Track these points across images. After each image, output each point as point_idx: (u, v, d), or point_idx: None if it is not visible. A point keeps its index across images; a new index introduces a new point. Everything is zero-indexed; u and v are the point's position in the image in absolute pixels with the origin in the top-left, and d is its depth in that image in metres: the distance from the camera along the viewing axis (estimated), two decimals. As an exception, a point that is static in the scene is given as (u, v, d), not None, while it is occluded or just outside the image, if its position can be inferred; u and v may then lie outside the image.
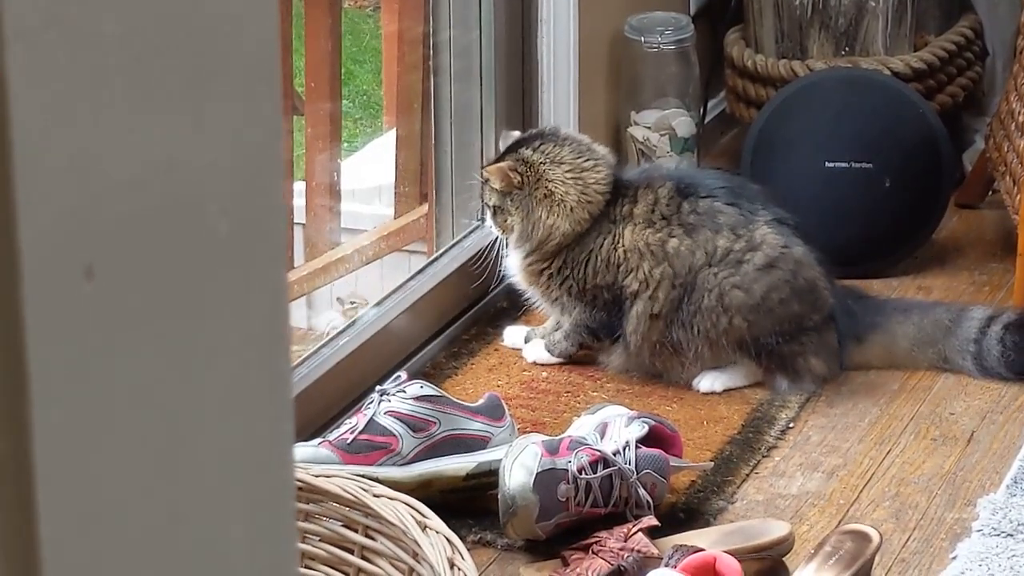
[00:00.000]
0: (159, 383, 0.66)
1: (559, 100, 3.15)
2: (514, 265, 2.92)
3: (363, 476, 2.21)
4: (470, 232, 3.12)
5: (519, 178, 2.84)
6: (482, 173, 2.91)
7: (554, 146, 2.87)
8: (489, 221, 2.92)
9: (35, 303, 0.61)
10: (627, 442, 2.43)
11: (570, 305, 2.87)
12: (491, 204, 2.88)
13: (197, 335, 0.68)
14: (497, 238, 2.91)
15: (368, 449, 2.45)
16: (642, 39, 3.33)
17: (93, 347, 0.62)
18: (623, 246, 2.82)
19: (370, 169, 3.89)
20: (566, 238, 2.84)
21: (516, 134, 2.96)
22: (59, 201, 0.61)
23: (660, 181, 2.86)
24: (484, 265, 2.96)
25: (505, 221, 2.87)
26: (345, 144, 4.39)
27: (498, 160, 2.90)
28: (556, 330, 2.91)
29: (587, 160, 2.87)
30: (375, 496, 2.07)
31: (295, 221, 3.51)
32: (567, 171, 2.84)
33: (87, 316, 0.62)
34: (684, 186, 2.85)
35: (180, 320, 0.67)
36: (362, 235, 3.53)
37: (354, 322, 2.87)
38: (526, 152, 2.86)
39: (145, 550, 0.66)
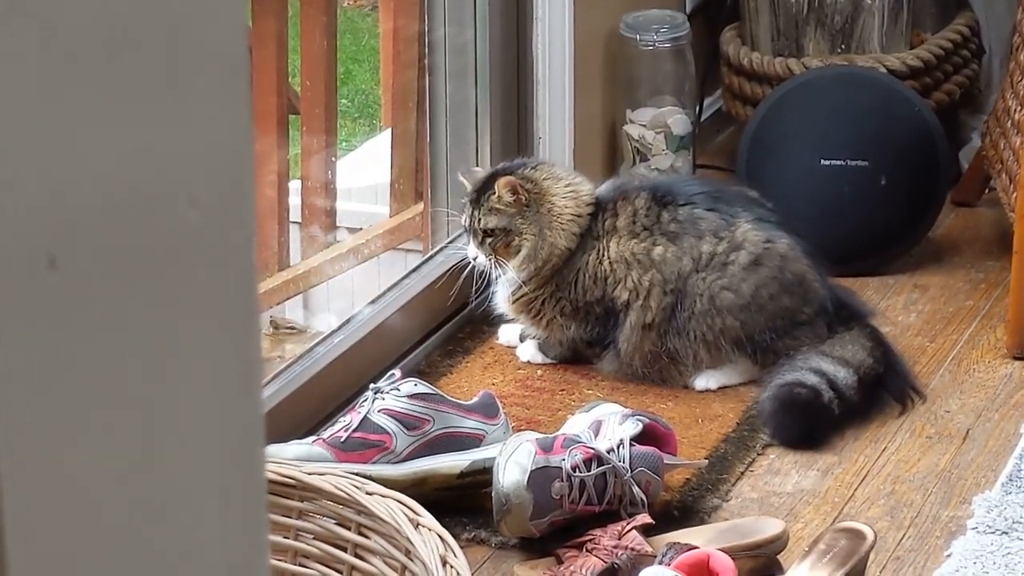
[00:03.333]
0: (126, 371, 0.66)
1: (554, 98, 3.15)
2: (503, 297, 2.88)
3: (357, 474, 2.21)
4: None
5: (526, 195, 2.81)
6: (480, 199, 2.81)
7: (547, 166, 2.87)
8: (475, 250, 2.82)
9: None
10: (621, 440, 2.42)
11: (565, 324, 2.85)
12: (490, 227, 2.81)
13: (165, 324, 0.67)
14: (483, 270, 2.82)
15: (362, 447, 2.45)
16: (638, 37, 3.33)
17: (57, 335, 0.62)
18: (609, 258, 2.81)
19: (367, 168, 3.89)
20: (560, 258, 2.83)
21: (479, 170, 2.92)
22: (22, 190, 0.61)
23: (635, 192, 2.86)
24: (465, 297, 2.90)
25: (509, 244, 2.82)
26: (344, 143, 4.38)
27: (480, 192, 2.83)
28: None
29: (576, 176, 2.88)
30: (368, 494, 2.07)
31: (291, 219, 3.50)
32: (565, 186, 2.84)
33: (50, 304, 0.62)
34: (661, 195, 2.84)
35: (148, 309, 0.66)
36: (358, 233, 3.53)
37: (349, 320, 2.87)
38: (526, 171, 2.84)
39: (111, 545, 0.65)
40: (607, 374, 2.85)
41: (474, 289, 2.88)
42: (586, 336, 2.86)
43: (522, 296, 2.86)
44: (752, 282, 2.79)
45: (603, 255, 2.82)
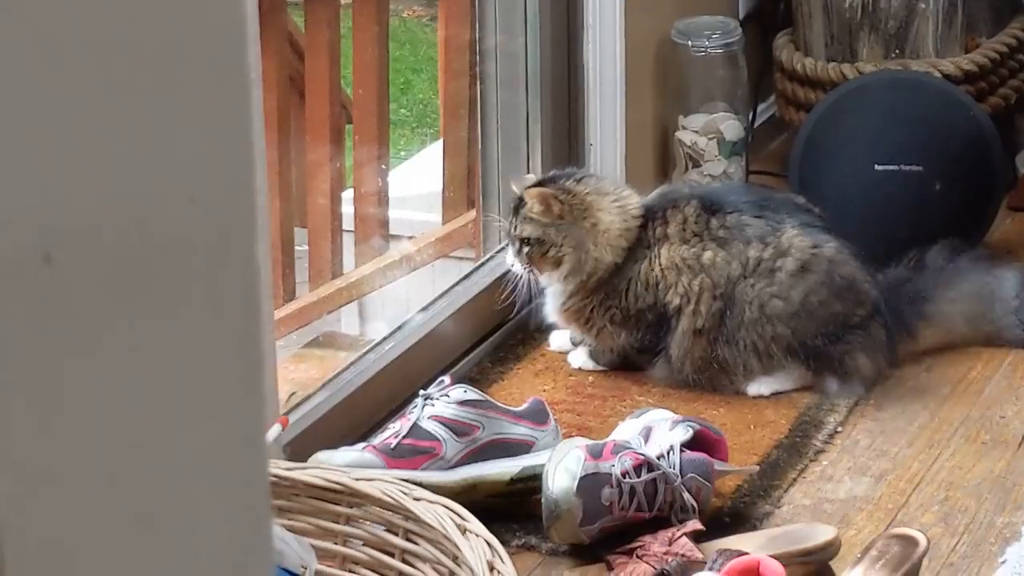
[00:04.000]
0: (123, 368, 0.66)
1: (606, 105, 3.15)
2: (552, 306, 2.88)
3: (408, 481, 2.21)
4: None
5: (559, 206, 2.80)
6: (519, 207, 2.80)
7: (594, 179, 2.86)
8: (512, 258, 2.82)
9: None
10: (671, 446, 2.42)
11: (615, 332, 2.84)
12: (524, 236, 2.80)
13: (164, 320, 0.67)
14: (522, 277, 2.81)
15: (412, 454, 2.45)
16: (690, 43, 3.32)
17: (52, 331, 0.62)
18: (660, 265, 2.80)
19: (421, 176, 3.89)
20: (607, 271, 2.82)
21: (531, 177, 2.92)
22: (17, 187, 0.61)
23: (685, 200, 2.85)
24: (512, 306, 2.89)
25: (545, 255, 2.81)
26: (402, 152, 4.39)
27: (520, 201, 2.82)
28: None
29: (623, 190, 2.86)
30: (415, 499, 2.07)
31: (344, 228, 3.52)
32: (612, 201, 2.83)
33: (45, 300, 0.61)
34: (709, 203, 2.83)
35: (147, 306, 0.66)
36: (410, 241, 3.54)
37: (400, 327, 2.87)
38: (568, 183, 2.83)
39: (107, 547, 0.65)
40: (659, 380, 2.84)
41: (525, 296, 2.88)
42: (637, 343, 2.85)
43: (571, 305, 2.85)
44: (801, 289, 2.77)
45: (655, 262, 2.82)
